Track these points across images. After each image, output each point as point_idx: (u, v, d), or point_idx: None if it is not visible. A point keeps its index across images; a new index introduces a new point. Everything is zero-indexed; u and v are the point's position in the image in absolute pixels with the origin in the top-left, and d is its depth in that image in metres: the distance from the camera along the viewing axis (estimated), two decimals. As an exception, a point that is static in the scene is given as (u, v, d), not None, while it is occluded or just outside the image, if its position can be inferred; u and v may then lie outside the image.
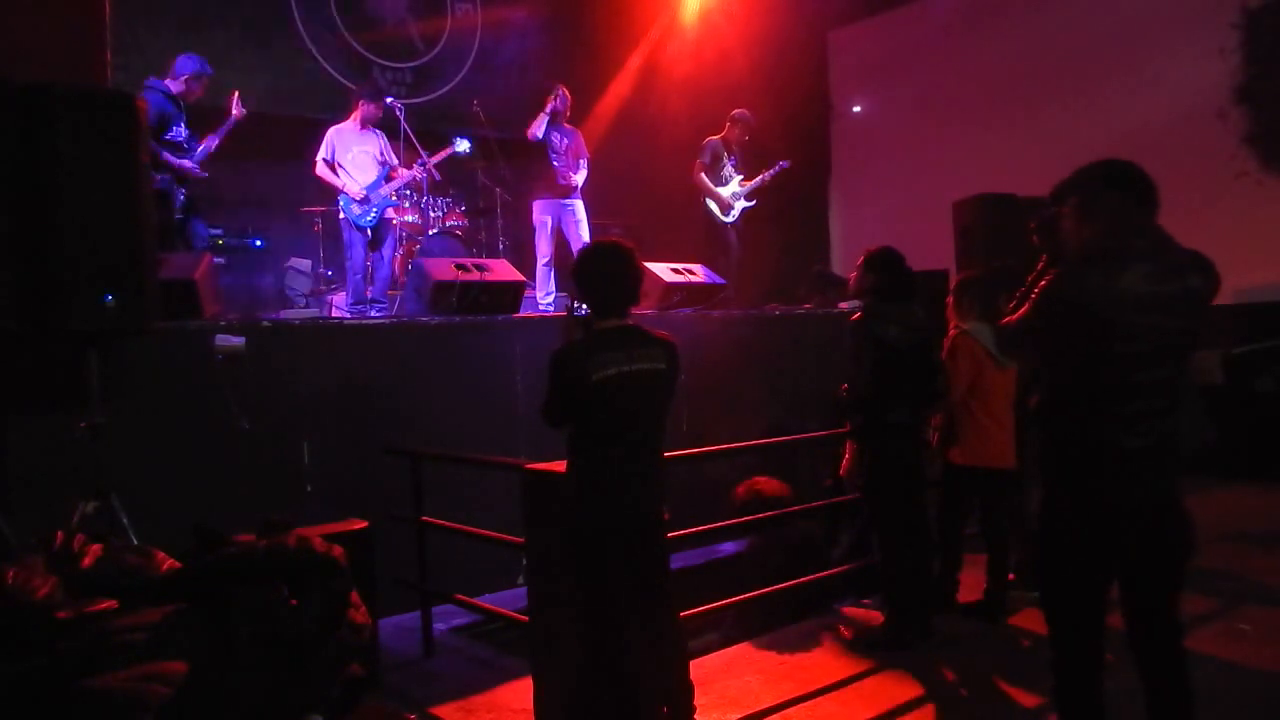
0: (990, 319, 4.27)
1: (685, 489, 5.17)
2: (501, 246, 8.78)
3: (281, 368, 4.97)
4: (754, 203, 8.39)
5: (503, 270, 6.35)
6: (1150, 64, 8.37)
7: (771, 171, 8.30)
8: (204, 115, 6.31)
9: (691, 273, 7.10)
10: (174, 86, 6.04)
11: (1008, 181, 6.28)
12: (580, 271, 3.24)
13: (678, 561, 3.92)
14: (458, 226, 8.33)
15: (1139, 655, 2.69)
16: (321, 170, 6.97)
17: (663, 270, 6.87)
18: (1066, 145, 6.95)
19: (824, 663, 4.20)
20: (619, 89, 10.11)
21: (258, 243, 8.36)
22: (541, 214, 7.74)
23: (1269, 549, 5.68)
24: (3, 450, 4.15)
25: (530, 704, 3.63)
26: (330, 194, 7.29)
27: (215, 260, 5.90)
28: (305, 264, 8.49)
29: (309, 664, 2.50)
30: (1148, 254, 2.53)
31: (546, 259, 7.73)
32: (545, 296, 7.70)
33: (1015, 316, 2.77)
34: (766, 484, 5.76)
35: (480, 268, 6.16)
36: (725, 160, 8.24)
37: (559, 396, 3.14)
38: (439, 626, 4.72)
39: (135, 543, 3.28)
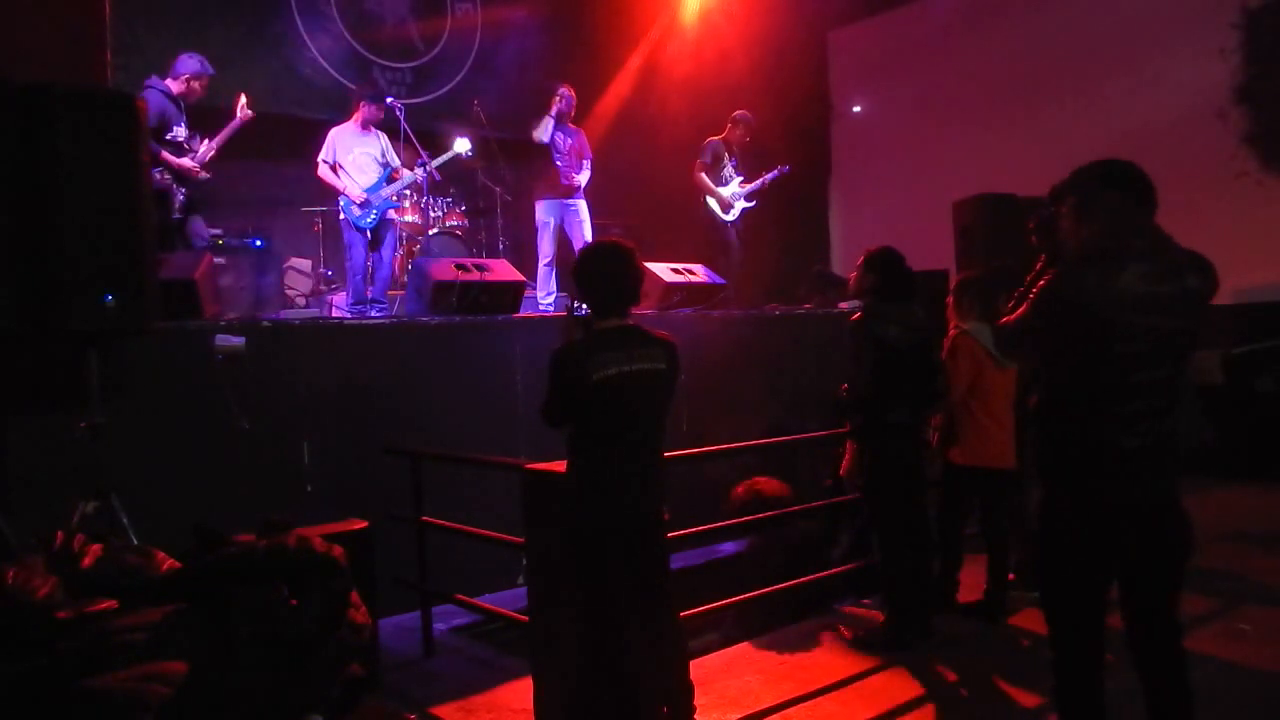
0: (990, 319, 4.27)
1: (685, 489, 5.17)
2: (501, 246, 8.78)
3: (281, 368, 4.97)
4: (754, 204, 8.40)
5: (503, 270, 6.35)
6: (1150, 64, 8.37)
7: (771, 175, 8.32)
8: (204, 115, 6.31)
9: (691, 273, 7.11)
10: (174, 86, 6.04)
11: (1008, 181, 6.28)
12: (580, 271, 3.24)
13: (678, 561, 3.92)
14: (458, 226, 8.33)
15: (1138, 655, 2.69)
16: (323, 172, 6.96)
17: (663, 270, 6.87)
18: (1066, 145, 6.95)
19: (824, 663, 4.20)
20: (619, 89, 10.11)
21: (258, 243, 8.34)
22: (545, 214, 7.73)
23: (1269, 549, 5.68)
24: (3, 450, 4.15)
25: (530, 704, 3.63)
26: (331, 194, 7.29)
27: (215, 260, 5.90)
28: (305, 264, 8.48)
29: (309, 664, 2.50)
30: (1146, 254, 2.53)
31: (548, 259, 7.72)
32: (546, 297, 7.70)
33: (1013, 316, 2.77)
34: (766, 484, 5.77)
35: (480, 268, 6.16)
36: (726, 161, 8.24)
37: (559, 396, 3.14)
38: (439, 626, 4.72)
39: (135, 543, 3.28)
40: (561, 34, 10.40)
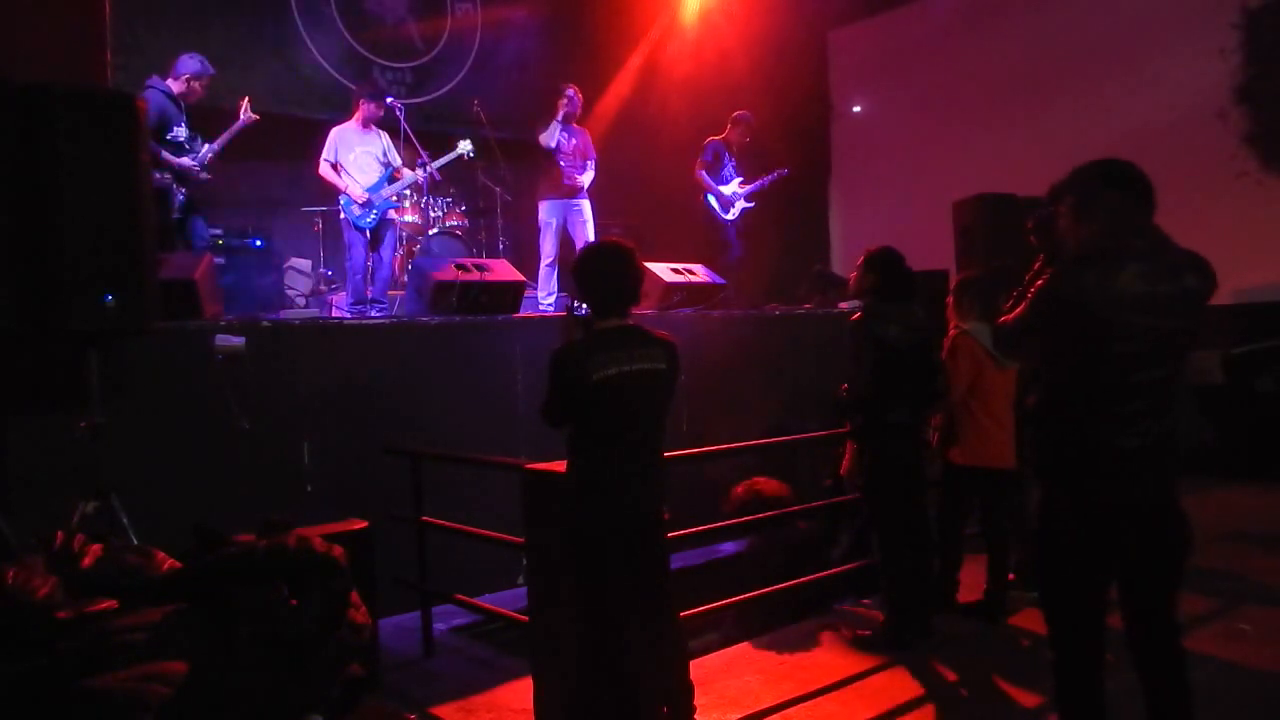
0: (990, 319, 4.26)
1: (685, 489, 5.17)
2: (501, 246, 8.78)
3: (281, 368, 4.97)
4: (753, 204, 8.41)
5: (503, 270, 6.35)
6: (1150, 64, 8.37)
7: (770, 177, 8.34)
8: (205, 115, 6.31)
9: (691, 273, 7.11)
10: (175, 86, 6.04)
11: (1008, 181, 6.28)
12: (580, 271, 3.24)
13: (678, 561, 3.92)
14: (458, 226, 8.33)
15: (1138, 655, 2.69)
16: (325, 171, 6.96)
17: (663, 270, 6.87)
18: (1066, 145, 6.93)
19: (824, 662, 4.20)
20: (619, 89, 10.10)
21: (258, 243, 8.35)
22: (548, 214, 7.72)
23: (1269, 549, 5.68)
24: (3, 450, 4.15)
25: (530, 704, 3.63)
26: (330, 194, 7.29)
27: (215, 260, 5.90)
28: (305, 264, 8.49)
29: (309, 664, 2.50)
30: (1145, 254, 2.53)
31: (550, 259, 7.71)
32: (547, 297, 7.69)
33: (1012, 316, 2.77)
34: (766, 484, 5.77)
35: (480, 268, 6.16)
36: (726, 161, 8.25)
37: (559, 396, 3.14)
38: (439, 626, 4.72)
39: (135, 543, 3.28)
40: (561, 34, 10.40)
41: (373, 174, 7.00)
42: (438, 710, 3.90)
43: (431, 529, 4.58)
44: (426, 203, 8.11)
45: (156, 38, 7.73)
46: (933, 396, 4.52)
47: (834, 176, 11.40)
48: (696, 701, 3.35)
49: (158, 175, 5.63)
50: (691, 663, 3.44)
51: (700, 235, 8.34)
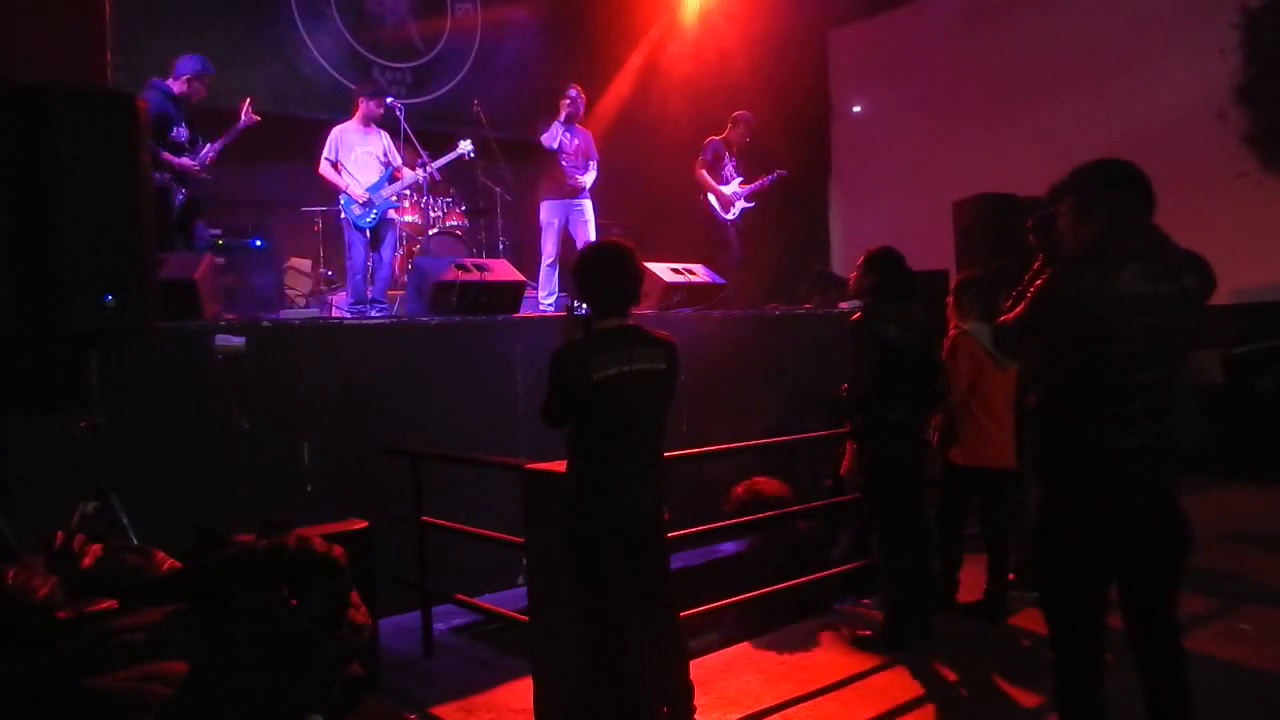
0: (990, 319, 4.27)
1: (685, 489, 5.17)
2: (501, 246, 8.78)
3: (281, 368, 4.97)
4: (753, 204, 8.41)
5: (503, 270, 6.35)
6: (1150, 64, 8.36)
7: (769, 178, 8.34)
8: (205, 115, 6.31)
9: (691, 273, 7.11)
10: (176, 86, 6.04)
11: (1008, 181, 6.28)
12: (580, 271, 3.24)
13: (678, 561, 3.92)
14: (458, 226, 8.33)
15: (1137, 655, 2.69)
16: (326, 170, 6.96)
17: (663, 270, 6.87)
18: (1066, 145, 6.93)
19: (824, 662, 4.20)
20: (619, 89, 10.10)
21: (258, 243, 8.35)
22: (550, 215, 7.71)
23: (1269, 549, 5.68)
24: (3, 450, 4.15)
25: (530, 704, 3.63)
26: (331, 194, 7.29)
27: (215, 260, 5.91)
28: (305, 264, 8.49)
29: (309, 664, 2.50)
30: (1145, 254, 2.53)
31: (551, 259, 7.70)
32: (548, 297, 7.69)
33: (1011, 315, 2.77)
34: (766, 484, 5.77)
35: (480, 268, 6.16)
36: (726, 161, 8.25)
37: (559, 396, 3.14)
38: (439, 626, 4.72)
39: (135, 543, 3.28)
40: (561, 34, 10.40)
41: (373, 173, 7.00)
42: (438, 710, 3.90)
43: (431, 529, 4.58)
44: (426, 203, 8.11)
45: (156, 38, 7.73)
46: (933, 396, 4.52)
47: (834, 176, 11.40)
48: (696, 701, 3.35)
49: (158, 175, 5.63)
50: (691, 663, 3.44)
51: (700, 235, 8.35)
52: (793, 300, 8.60)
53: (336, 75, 9.07)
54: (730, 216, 8.27)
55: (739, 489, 5.76)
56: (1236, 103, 8.08)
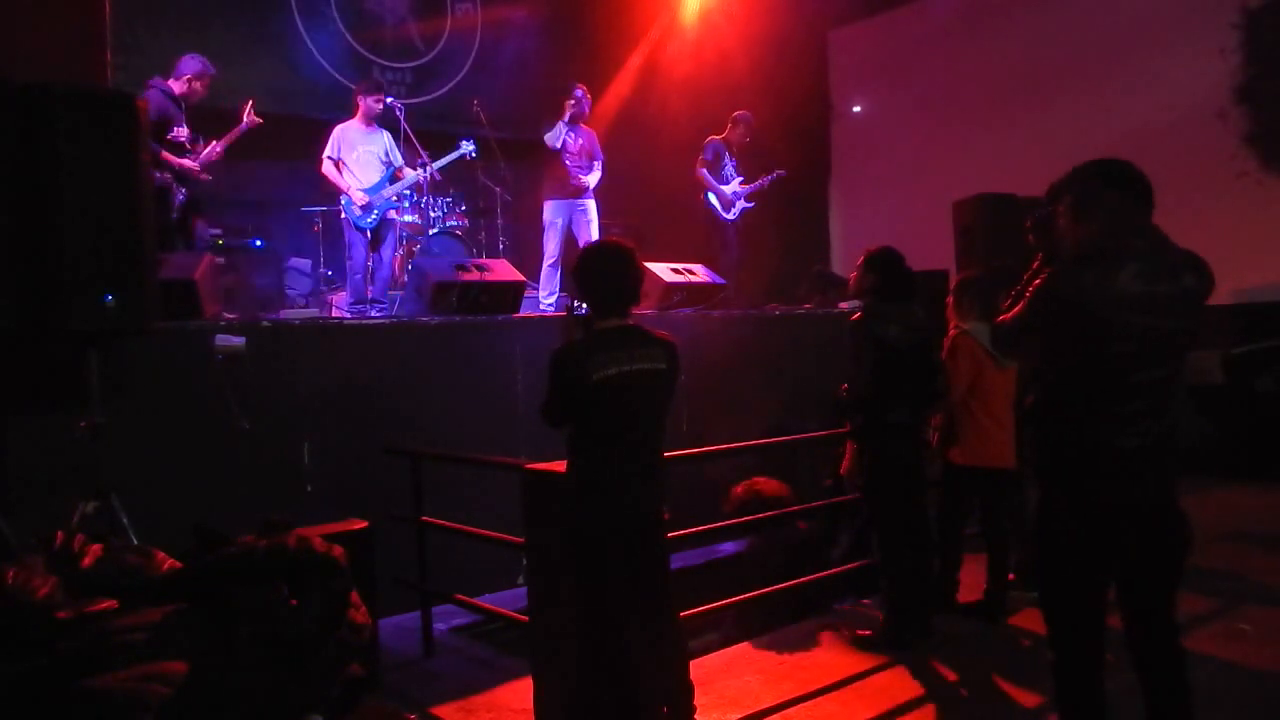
0: (990, 319, 4.26)
1: (685, 489, 5.17)
2: (501, 246, 8.78)
3: (281, 368, 4.97)
4: (753, 204, 8.42)
5: (503, 270, 6.35)
6: (1150, 64, 8.37)
7: (769, 178, 8.34)
8: (206, 115, 6.31)
9: (691, 273, 7.11)
10: (176, 86, 6.05)
11: (1008, 181, 6.28)
12: (580, 271, 3.24)
13: (678, 561, 3.92)
14: (458, 226, 8.33)
15: (1137, 655, 2.69)
16: (327, 169, 6.96)
17: (663, 270, 6.87)
18: (1066, 145, 6.92)
19: (824, 662, 4.20)
20: (619, 89, 10.10)
21: (258, 243, 8.35)
22: (553, 214, 7.70)
23: (1269, 549, 5.68)
24: (3, 450, 4.15)
25: (530, 704, 3.63)
26: (331, 193, 7.29)
27: (215, 260, 5.91)
28: (305, 264, 8.48)
29: (309, 664, 2.50)
30: (1144, 254, 2.53)
31: (553, 259, 7.69)
32: (548, 297, 7.68)
33: (1010, 315, 2.77)
34: (766, 484, 5.76)
35: (480, 268, 6.16)
36: (726, 161, 8.25)
37: (559, 396, 3.14)
38: (439, 626, 4.72)
39: (135, 543, 3.28)
40: (561, 34, 10.40)
41: (375, 173, 7.00)
42: (438, 710, 3.90)
43: (431, 529, 4.58)
44: (426, 203, 8.11)
45: (156, 38, 7.73)
46: (933, 396, 4.52)
47: (834, 176, 11.40)
48: (696, 701, 3.35)
49: (158, 175, 5.63)
50: (691, 663, 3.44)
51: (700, 235, 8.34)
52: (793, 300, 8.61)
53: (336, 75, 9.07)
54: (730, 216, 8.27)
55: (739, 489, 5.76)
56: (1236, 103, 8.08)
